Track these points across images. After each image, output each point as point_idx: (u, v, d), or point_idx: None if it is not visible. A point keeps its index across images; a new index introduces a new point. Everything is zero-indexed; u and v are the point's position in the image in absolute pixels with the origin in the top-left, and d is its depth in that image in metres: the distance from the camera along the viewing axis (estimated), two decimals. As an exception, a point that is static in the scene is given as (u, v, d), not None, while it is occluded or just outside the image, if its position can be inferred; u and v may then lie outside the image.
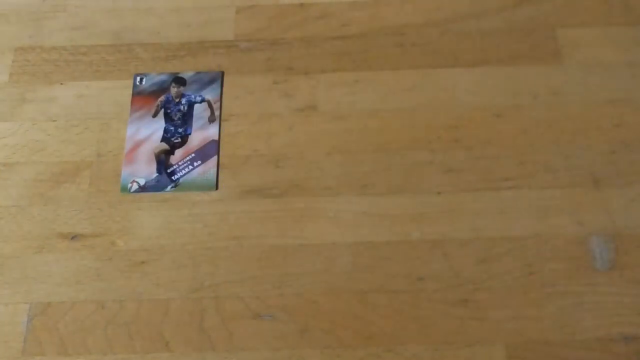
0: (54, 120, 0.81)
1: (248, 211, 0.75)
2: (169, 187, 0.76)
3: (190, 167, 0.77)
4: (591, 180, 0.75)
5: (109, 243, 0.74)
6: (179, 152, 0.78)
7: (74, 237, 0.74)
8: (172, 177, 0.77)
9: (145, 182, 0.77)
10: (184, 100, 0.81)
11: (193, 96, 0.81)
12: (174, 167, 0.78)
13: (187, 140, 0.79)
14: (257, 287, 0.71)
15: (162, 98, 0.82)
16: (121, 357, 0.68)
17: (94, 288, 0.71)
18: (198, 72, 0.83)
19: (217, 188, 0.76)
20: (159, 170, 0.77)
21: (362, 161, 0.77)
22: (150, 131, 0.80)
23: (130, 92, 0.82)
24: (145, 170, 0.77)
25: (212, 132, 0.79)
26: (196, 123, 0.80)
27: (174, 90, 0.82)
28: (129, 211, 0.75)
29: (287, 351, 0.68)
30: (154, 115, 0.81)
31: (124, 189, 0.76)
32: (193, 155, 0.78)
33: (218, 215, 0.75)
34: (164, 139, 0.79)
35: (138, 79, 0.83)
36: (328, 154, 0.78)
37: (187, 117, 0.80)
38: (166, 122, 0.80)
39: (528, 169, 0.76)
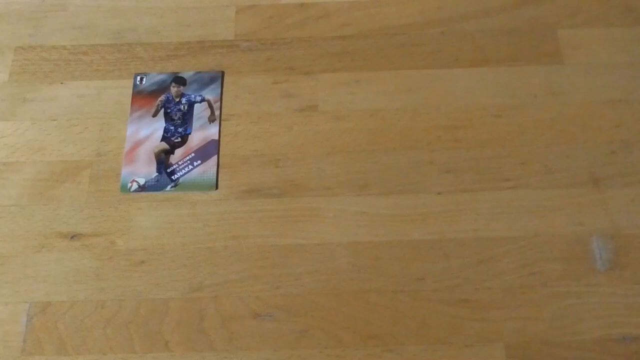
0: (54, 120, 0.81)
1: (248, 211, 0.75)
2: (169, 187, 0.76)
3: (190, 166, 0.77)
4: (591, 180, 0.75)
5: (109, 242, 0.73)
6: (179, 152, 0.78)
7: (73, 236, 0.74)
8: (172, 177, 0.77)
9: (145, 182, 0.77)
10: (184, 100, 0.81)
11: (193, 96, 0.81)
12: (174, 166, 0.77)
13: (187, 140, 0.79)
14: (257, 287, 0.71)
15: (162, 98, 0.82)
16: (121, 356, 0.68)
17: (94, 287, 0.71)
18: (198, 72, 0.83)
19: (217, 188, 0.76)
20: (158, 170, 0.77)
21: (362, 161, 0.77)
22: (150, 131, 0.80)
23: (131, 91, 0.82)
24: (145, 169, 0.77)
25: (212, 131, 0.79)
26: (196, 123, 0.80)
27: (174, 89, 0.82)
28: (128, 211, 0.75)
29: (287, 351, 0.68)
30: (154, 115, 0.81)
31: (124, 189, 0.76)
32: (193, 155, 0.78)
33: (218, 215, 0.75)
34: (164, 139, 0.79)
35: (138, 78, 0.83)
36: (328, 154, 0.78)
37: (187, 117, 0.80)
38: (166, 121, 0.80)
39: (528, 169, 0.76)
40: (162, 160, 0.78)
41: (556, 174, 0.75)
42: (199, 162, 0.78)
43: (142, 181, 0.77)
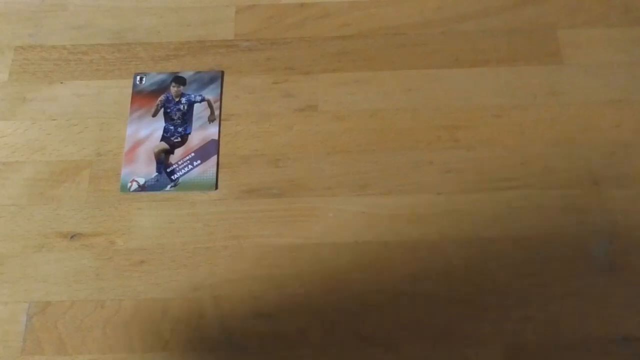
0: (54, 120, 0.81)
1: (248, 211, 0.75)
2: (169, 187, 0.76)
3: (190, 166, 0.77)
4: (591, 181, 0.75)
5: (109, 242, 0.73)
6: (178, 152, 0.78)
7: (73, 236, 0.74)
8: (172, 177, 0.77)
9: (145, 182, 0.77)
10: (183, 100, 0.81)
11: (193, 96, 0.81)
12: (174, 166, 0.77)
13: (186, 140, 0.79)
14: (256, 287, 0.71)
15: (162, 97, 0.82)
16: (120, 356, 0.68)
17: (93, 287, 0.71)
18: (198, 72, 0.83)
19: (216, 188, 0.76)
20: (158, 170, 0.77)
21: (361, 161, 0.77)
22: (150, 130, 0.80)
23: (130, 91, 0.82)
24: (144, 169, 0.77)
25: (211, 131, 0.79)
26: (196, 122, 0.80)
27: (173, 89, 0.82)
28: (128, 210, 0.75)
29: (286, 351, 0.68)
30: (154, 115, 0.81)
31: (124, 189, 0.76)
32: (193, 154, 0.78)
33: (217, 215, 0.75)
34: (163, 139, 0.79)
35: (138, 78, 0.83)
36: (328, 154, 0.78)
37: (186, 117, 0.80)
38: (166, 121, 0.80)
39: (528, 169, 0.76)
40: (162, 160, 0.78)
41: (556, 174, 0.75)
42: (199, 162, 0.78)
43: (141, 181, 0.77)
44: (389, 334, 0.68)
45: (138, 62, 0.84)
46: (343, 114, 0.80)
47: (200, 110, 0.81)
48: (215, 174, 0.77)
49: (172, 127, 0.80)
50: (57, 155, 0.78)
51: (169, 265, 0.72)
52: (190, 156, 0.78)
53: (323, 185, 0.76)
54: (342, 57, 0.83)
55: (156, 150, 0.79)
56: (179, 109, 0.81)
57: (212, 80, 0.82)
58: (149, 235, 0.74)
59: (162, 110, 0.81)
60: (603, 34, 0.84)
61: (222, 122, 0.80)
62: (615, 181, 0.75)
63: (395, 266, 0.71)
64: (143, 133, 0.79)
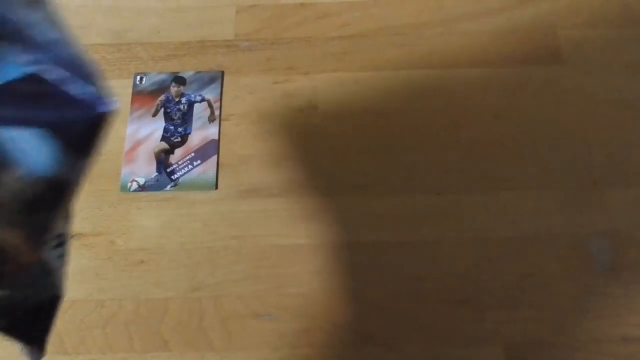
0: (54, 119, 0.80)
1: (248, 211, 0.75)
2: (169, 187, 0.76)
3: (190, 166, 0.77)
4: (590, 181, 0.75)
5: (108, 242, 0.73)
6: (178, 152, 0.78)
7: (73, 236, 0.74)
8: (172, 177, 0.77)
9: (145, 182, 0.77)
10: (183, 100, 0.81)
11: (193, 95, 0.81)
12: (174, 166, 0.77)
13: (186, 140, 0.79)
14: (256, 287, 0.71)
15: (162, 97, 0.81)
16: (120, 356, 0.68)
17: (93, 287, 0.71)
18: (198, 72, 0.83)
19: (216, 187, 0.76)
20: (158, 170, 0.77)
21: (362, 161, 0.77)
22: (150, 130, 0.79)
23: (130, 91, 0.82)
24: (144, 169, 0.77)
25: (212, 131, 0.79)
26: (196, 122, 0.80)
27: (173, 89, 0.82)
28: (128, 210, 0.75)
29: (286, 351, 0.68)
30: (154, 115, 0.81)
31: (124, 188, 0.76)
32: (193, 154, 0.78)
33: (218, 215, 0.75)
34: (163, 139, 0.79)
35: (138, 78, 0.83)
36: (328, 154, 0.78)
37: (187, 117, 0.80)
38: (166, 121, 0.80)
39: (528, 169, 0.76)
40: (162, 160, 0.78)
41: (556, 174, 0.75)
42: (199, 161, 0.78)
43: (141, 181, 0.77)
44: (389, 334, 0.68)
45: (138, 62, 0.84)
46: (343, 114, 0.80)
47: (200, 110, 0.81)
48: (215, 174, 0.77)
49: (172, 127, 0.80)
50: (57, 155, 0.78)
51: (169, 265, 0.72)
52: (190, 156, 0.78)
53: (323, 185, 0.76)
54: (342, 57, 0.83)
55: (156, 150, 0.79)
56: (179, 109, 0.81)
57: (212, 80, 0.82)
58: (149, 235, 0.74)
59: (162, 110, 0.81)
60: (603, 34, 0.83)
61: (222, 122, 0.80)
62: (615, 181, 0.75)
63: (396, 266, 0.71)
64: (143, 133, 0.79)
